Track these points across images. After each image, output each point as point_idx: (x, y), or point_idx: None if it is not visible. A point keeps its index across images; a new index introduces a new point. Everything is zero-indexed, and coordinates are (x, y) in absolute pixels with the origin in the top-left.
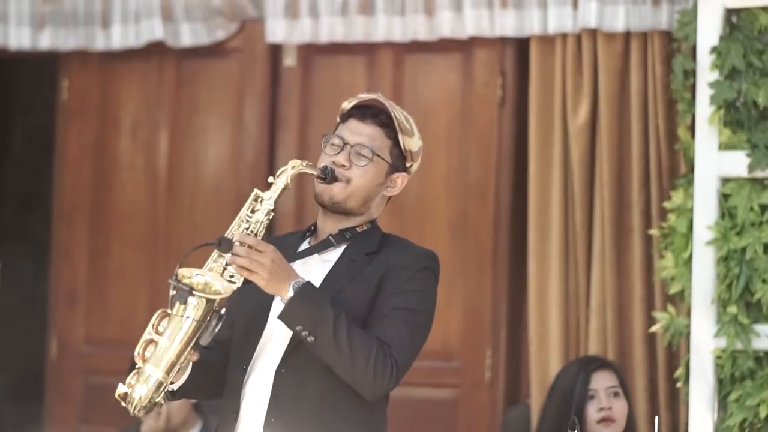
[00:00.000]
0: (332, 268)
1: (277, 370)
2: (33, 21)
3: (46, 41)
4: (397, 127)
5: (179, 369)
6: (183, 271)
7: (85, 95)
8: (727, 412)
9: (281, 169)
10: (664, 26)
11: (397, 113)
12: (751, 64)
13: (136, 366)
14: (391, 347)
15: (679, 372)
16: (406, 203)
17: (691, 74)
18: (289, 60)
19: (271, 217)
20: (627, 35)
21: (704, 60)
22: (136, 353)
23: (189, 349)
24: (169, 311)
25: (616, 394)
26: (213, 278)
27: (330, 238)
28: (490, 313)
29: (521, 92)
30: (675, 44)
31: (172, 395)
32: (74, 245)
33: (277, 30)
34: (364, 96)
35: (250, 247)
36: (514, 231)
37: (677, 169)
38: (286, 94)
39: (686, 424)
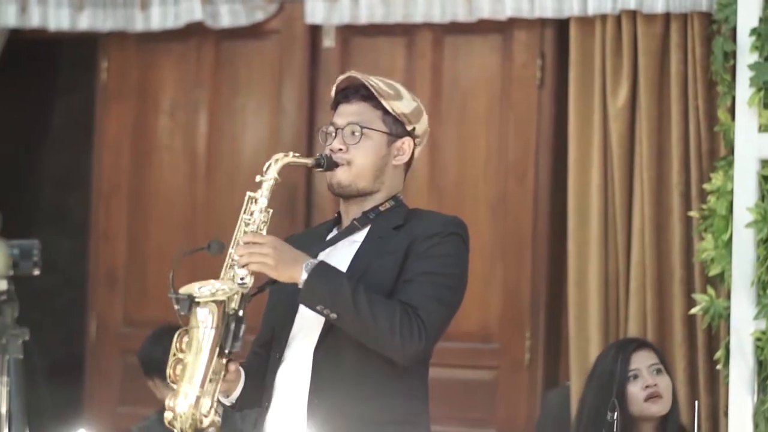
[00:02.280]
0: (360, 246)
1: (314, 352)
2: (72, 2)
3: (85, 22)
4: (376, 94)
5: (214, 380)
6: (185, 287)
7: (124, 76)
8: (766, 393)
9: (266, 164)
10: (704, 8)
11: (373, 81)
12: None
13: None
14: (416, 308)
15: (719, 354)
16: (446, 185)
17: (731, 56)
18: (328, 41)
19: (269, 214)
20: (667, 16)
21: (744, 42)
22: (167, 376)
23: (216, 357)
24: (186, 327)
25: (659, 371)
26: (218, 284)
27: (354, 222)
28: (529, 295)
29: (560, 74)
30: (715, 26)
31: (231, 408)
32: (113, 226)
33: (316, 11)
34: (340, 78)
35: (248, 243)
36: (554, 213)
37: (717, 151)
38: (325, 76)
39: (726, 406)
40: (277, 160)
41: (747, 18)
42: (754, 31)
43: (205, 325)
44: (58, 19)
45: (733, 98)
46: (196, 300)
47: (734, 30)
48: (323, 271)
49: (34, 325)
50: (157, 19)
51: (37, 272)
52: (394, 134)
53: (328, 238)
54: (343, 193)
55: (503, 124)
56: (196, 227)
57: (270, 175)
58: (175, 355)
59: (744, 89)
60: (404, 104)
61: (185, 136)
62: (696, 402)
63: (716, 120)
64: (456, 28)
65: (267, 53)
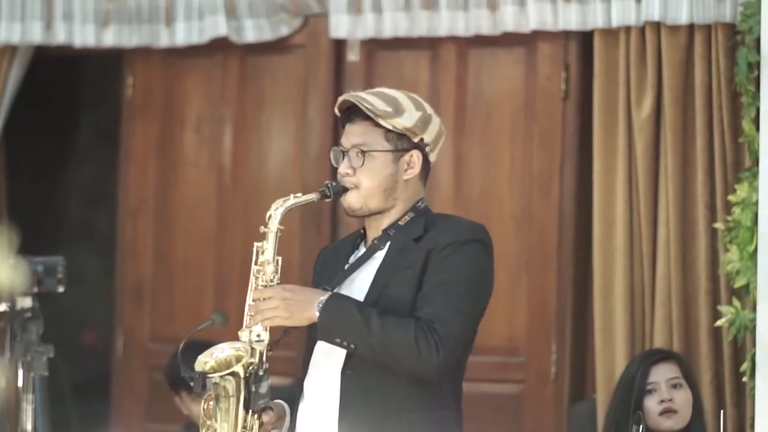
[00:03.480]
0: (381, 263)
1: (342, 372)
2: (97, 18)
3: (110, 38)
4: (373, 116)
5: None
6: (201, 357)
7: (149, 92)
8: None
9: (267, 214)
10: (728, 18)
11: (369, 101)
12: None
13: None
14: (432, 321)
15: (745, 366)
16: (471, 197)
17: (755, 66)
18: (353, 55)
19: (279, 263)
20: (690, 28)
21: None
22: None
23: (243, 419)
24: (211, 394)
25: (677, 386)
26: (230, 350)
27: (375, 241)
28: (555, 307)
29: (585, 86)
30: (739, 36)
31: None
32: (140, 241)
33: (340, 25)
34: (339, 100)
35: (256, 301)
36: (579, 225)
37: (742, 162)
38: (350, 89)
39: (752, 419)
40: (277, 208)
41: None
42: None
43: (225, 393)
44: (84, 36)
45: (758, 109)
46: (209, 377)
47: (758, 40)
48: (334, 306)
49: (61, 341)
50: (182, 35)
51: (61, 289)
52: (400, 149)
53: (352, 260)
54: (357, 215)
55: (528, 136)
56: (223, 242)
57: (273, 227)
58: (204, 422)
59: None
60: (406, 119)
61: (211, 151)
62: (722, 414)
63: (741, 131)
64: (480, 41)
65: (292, 67)
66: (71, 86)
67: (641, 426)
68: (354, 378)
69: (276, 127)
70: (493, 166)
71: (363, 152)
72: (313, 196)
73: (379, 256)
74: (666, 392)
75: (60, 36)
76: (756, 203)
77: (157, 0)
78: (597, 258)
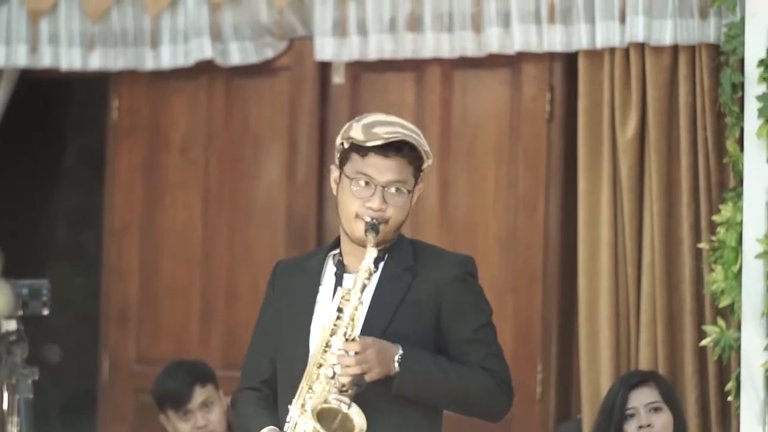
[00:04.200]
0: (375, 289)
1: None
2: (83, 42)
3: (96, 61)
4: (424, 157)
5: None
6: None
7: (135, 114)
8: None
9: (343, 296)
10: (712, 39)
11: (424, 145)
12: None
13: None
14: (497, 372)
15: (730, 386)
16: (456, 219)
17: (739, 87)
18: (338, 78)
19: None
20: (675, 49)
21: (752, 73)
22: None
23: None
24: None
25: (656, 410)
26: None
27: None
28: (541, 328)
29: (570, 107)
30: (723, 57)
31: None
32: (125, 263)
33: (325, 48)
34: (390, 135)
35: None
36: (564, 246)
37: (726, 183)
38: (335, 112)
39: None
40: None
41: (754, 49)
42: (761, 63)
43: None
44: (70, 59)
45: (742, 129)
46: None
47: (742, 61)
48: (413, 359)
49: (47, 364)
50: (168, 58)
51: (46, 312)
52: (417, 183)
53: (327, 282)
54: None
55: (513, 157)
56: (208, 264)
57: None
58: None
59: (752, 120)
60: (430, 154)
61: (197, 174)
62: None
63: (725, 152)
64: (465, 63)
65: (277, 90)
66: (57, 109)
67: None
68: (366, 402)
69: (262, 150)
70: (478, 188)
71: (408, 191)
72: (372, 242)
73: (372, 281)
74: (644, 417)
75: (46, 59)
76: (740, 223)
77: (143, 23)
78: (582, 278)
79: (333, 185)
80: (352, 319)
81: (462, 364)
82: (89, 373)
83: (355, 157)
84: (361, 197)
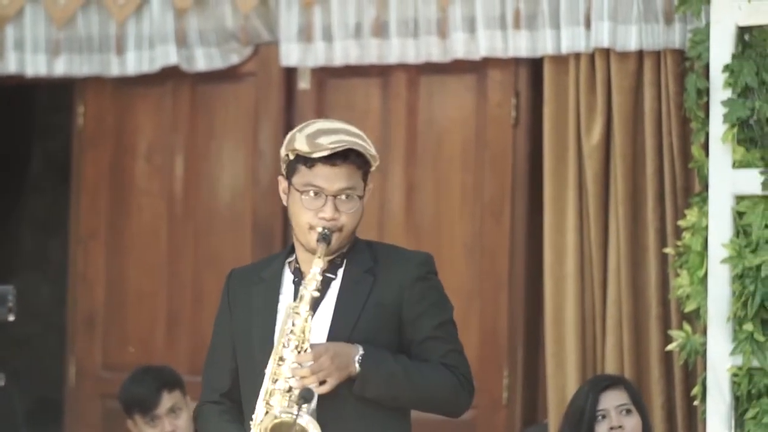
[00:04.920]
0: (338, 295)
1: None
2: (48, 48)
3: (61, 68)
4: (373, 162)
5: None
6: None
7: (100, 121)
8: (744, 429)
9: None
10: (677, 45)
11: (369, 149)
12: (764, 82)
13: None
14: (458, 368)
15: (696, 390)
16: (422, 224)
17: (704, 92)
18: (304, 83)
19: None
20: (640, 54)
21: (717, 78)
22: None
23: None
24: None
25: (627, 411)
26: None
27: (327, 275)
28: (507, 332)
29: (535, 112)
30: (688, 63)
31: None
32: (91, 269)
33: (291, 54)
34: (335, 145)
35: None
36: (530, 251)
37: (691, 188)
38: (301, 117)
39: None
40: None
41: (719, 55)
42: (726, 68)
43: None
44: (35, 65)
45: (707, 134)
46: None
47: (707, 67)
48: (373, 358)
49: (14, 370)
50: (133, 64)
51: (11, 318)
52: (367, 185)
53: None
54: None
55: (479, 163)
56: (174, 270)
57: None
58: None
59: (717, 126)
60: (377, 157)
61: (162, 180)
62: None
63: (690, 156)
64: (430, 69)
65: (243, 96)
66: (22, 116)
67: None
68: (331, 407)
69: (227, 156)
70: (444, 193)
71: (359, 197)
72: (321, 250)
73: (333, 287)
74: (615, 419)
75: (11, 65)
76: (706, 228)
77: (108, 29)
78: (548, 284)
79: (283, 196)
80: (303, 332)
81: (423, 362)
82: (56, 379)
83: (302, 168)
84: (313, 208)
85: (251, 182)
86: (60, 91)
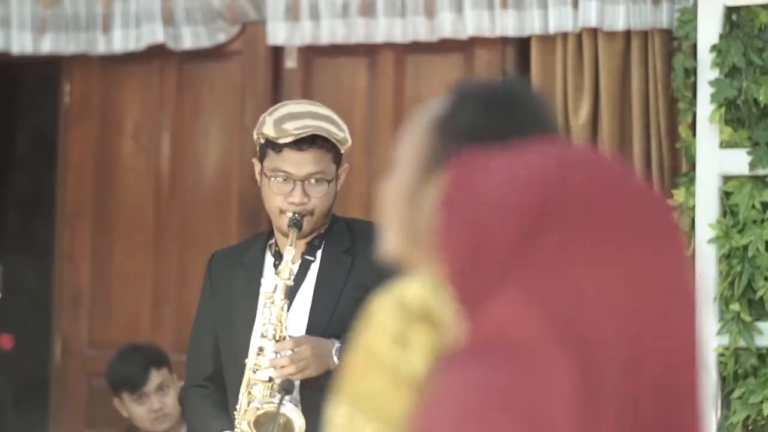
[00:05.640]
0: (317, 277)
1: (300, 393)
2: (34, 25)
3: (47, 45)
4: (339, 146)
5: None
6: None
7: (87, 99)
8: (730, 409)
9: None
10: (665, 25)
11: (331, 132)
12: (751, 62)
13: None
14: None
15: None
16: None
17: (691, 72)
18: (290, 62)
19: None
20: (627, 34)
21: (705, 58)
22: None
23: None
24: None
25: None
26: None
27: (306, 258)
28: None
29: None
30: (675, 43)
31: None
32: (78, 248)
33: (278, 32)
34: (299, 132)
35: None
36: None
37: (679, 168)
38: (288, 96)
39: None
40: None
41: (707, 35)
42: (714, 48)
43: None
44: (21, 43)
45: (694, 115)
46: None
47: (695, 47)
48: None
49: None
50: (119, 42)
51: None
52: (341, 166)
53: (267, 272)
54: (301, 239)
55: None
56: (161, 248)
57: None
58: None
59: (705, 106)
60: (348, 139)
61: (149, 158)
62: None
63: (678, 137)
64: (418, 48)
65: (229, 74)
66: (8, 94)
67: None
68: (313, 396)
69: (213, 135)
70: None
71: (327, 181)
72: (293, 236)
73: (313, 269)
74: None
75: None
76: (693, 208)
77: (95, 7)
78: None
79: (258, 178)
80: (280, 321)
81: None
82: (41, 358)
83: (270, 153)
84: (282, 193)
85: (237, 161)
86: (46, 69)
